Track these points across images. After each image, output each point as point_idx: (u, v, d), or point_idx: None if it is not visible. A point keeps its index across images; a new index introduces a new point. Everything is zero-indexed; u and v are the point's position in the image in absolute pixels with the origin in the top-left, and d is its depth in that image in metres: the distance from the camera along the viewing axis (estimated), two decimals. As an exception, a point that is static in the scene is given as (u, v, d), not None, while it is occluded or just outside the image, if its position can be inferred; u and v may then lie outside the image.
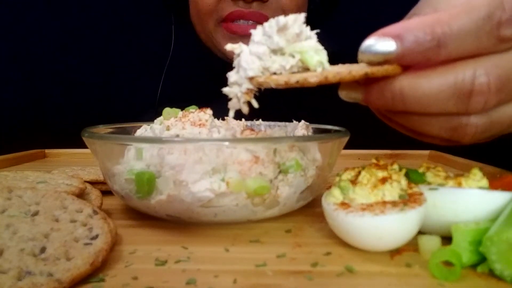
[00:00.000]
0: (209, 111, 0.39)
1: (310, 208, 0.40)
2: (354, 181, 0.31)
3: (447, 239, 0.28)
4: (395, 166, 0.32)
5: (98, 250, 0.26)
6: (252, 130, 0.43)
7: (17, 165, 0.66)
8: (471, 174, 0.32)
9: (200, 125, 0.38)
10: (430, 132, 0.29)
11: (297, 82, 0.27)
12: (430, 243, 0.28)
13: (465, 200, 0.30)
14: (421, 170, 0.34)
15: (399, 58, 0.26)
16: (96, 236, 0.28)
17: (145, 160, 0.35)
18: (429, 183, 0.32)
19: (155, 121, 0.42)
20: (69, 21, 0.85)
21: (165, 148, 0.33)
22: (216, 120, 0.44)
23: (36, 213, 0.29)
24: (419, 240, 0.29)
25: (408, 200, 0.29)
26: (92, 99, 0.84)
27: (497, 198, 0.29)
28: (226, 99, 0.30)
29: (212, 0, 0.69)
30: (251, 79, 0.28)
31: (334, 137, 0.39)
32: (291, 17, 0.28)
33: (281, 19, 0.27)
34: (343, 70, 0.26)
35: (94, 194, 0.39)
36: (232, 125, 0.45)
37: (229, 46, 0.29)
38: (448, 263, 0.25)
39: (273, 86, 0.27)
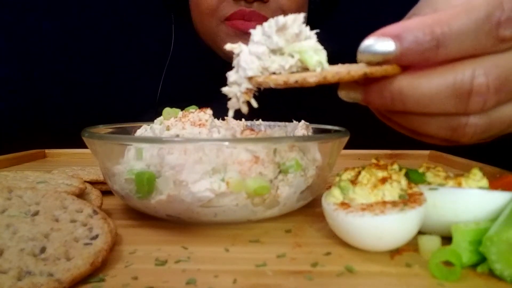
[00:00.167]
0: (209, 111, 0.39)
1: (310, 208, 0.40)
2: (354, 181, 0.31)
3: (447, 239, 0.28)
4: (395, 166, 0.32)
5: (98, 250, 0.26)
6: (252, 130, 0.43)
7: (17, 165, 0.66)
8: (471, 174, 0.32)
9: (200, 125, 0.38)
10: (430, 132, 0.29)
11: (296, 82, 0.27)
12: (430, 243, 0.28)
13: (465, 200, 0.30)
14: (421, 170, 0.34)
15: (398, 58, 0.26)
16: (96, 236, 0.28)
17: (145, 160, 0.35)
18: (429, 183, 0.32)
19: (155, 121, 0.42)
20: (69, 21, 0.85)
21: (165, 148, 0.33)
22: (216, 120, 0.44)
23: (36, 213, 0.29)
24: (419, 240, 0.29)
25: (408, 200, 0.29)
26: (92, 99, 0.84)
27: (497, 198, 0.29)
28: (226, 99, 0.30)
29: (214, 1, 0.69)
30: (250, 78, 0.28)
31: (334, 137, 0.39)
32: (290, 17, 0.28)
33: (281, 19, 0.27)
34: (342, 70, 0.26)
35: (94, 194, 0.39)
36: (232, 125, 0.45)
37: (228, 46, 0.29)
38: (448, 263, 0.25)
39: (272, 86, 0.27)
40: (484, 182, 0.31)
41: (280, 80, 0.27)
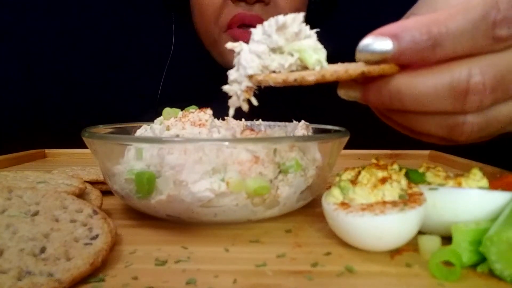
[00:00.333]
0: (209, 111, 0.39)
1: (310, 208, 0.40)
2: (354, 181, 0.31)
3: (447, 239, 0.28)
4: (395, 166, 0.32)
5: (98, 250, 0.26)
6: (252, 130, 0.43)
7: (17, 165, 0.66)
8: (471, 174, 0.32)
9: (200, 125, 0.38)
10: (427, 131, 0.29)
11: (295, 80, 0.27)
12: (430, 243, 0.28)
13: (465, 200, 0.30)
14: (421, 170, 0.34)
15: (396, 57, 0.26)
16: (96, 236, 0.28)
17: (145, 160, 0.35)
18: (429, 183, 0.32)
19: (155, 121, 0.42)
20: (69, 21, 0.85)
21: (165, 148, 0.33)
22: (216, 120, 0.44)
23: (36, 213, 0.29)
24: (419, 240, 0.29)
25: (408, 200, 0.29)
26: (92, 99, 0.84)
27: (497, 198, 0.29)
28: (226, 99, 0.30)
29: (216, 6, 0.69)
30: (250, 77, 0.28)
31: (334, 137, 0.39)
32: (290, 16, 0.28)
33: (280, 18, 0.28)
34: (341, 69, 0.27)
35: (94, 194, 0.39)
36: (232, 125, 0.45)
37: (229, 45, 0.30)
38: (448, 263, 0.25)
39: (272, 84, 0.28)
40: (484, 182, 0.31)
41: (280, 79, 0.27)
